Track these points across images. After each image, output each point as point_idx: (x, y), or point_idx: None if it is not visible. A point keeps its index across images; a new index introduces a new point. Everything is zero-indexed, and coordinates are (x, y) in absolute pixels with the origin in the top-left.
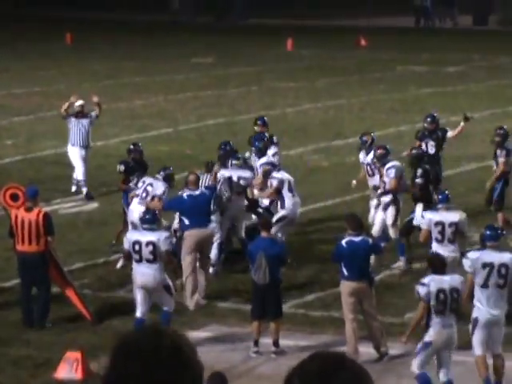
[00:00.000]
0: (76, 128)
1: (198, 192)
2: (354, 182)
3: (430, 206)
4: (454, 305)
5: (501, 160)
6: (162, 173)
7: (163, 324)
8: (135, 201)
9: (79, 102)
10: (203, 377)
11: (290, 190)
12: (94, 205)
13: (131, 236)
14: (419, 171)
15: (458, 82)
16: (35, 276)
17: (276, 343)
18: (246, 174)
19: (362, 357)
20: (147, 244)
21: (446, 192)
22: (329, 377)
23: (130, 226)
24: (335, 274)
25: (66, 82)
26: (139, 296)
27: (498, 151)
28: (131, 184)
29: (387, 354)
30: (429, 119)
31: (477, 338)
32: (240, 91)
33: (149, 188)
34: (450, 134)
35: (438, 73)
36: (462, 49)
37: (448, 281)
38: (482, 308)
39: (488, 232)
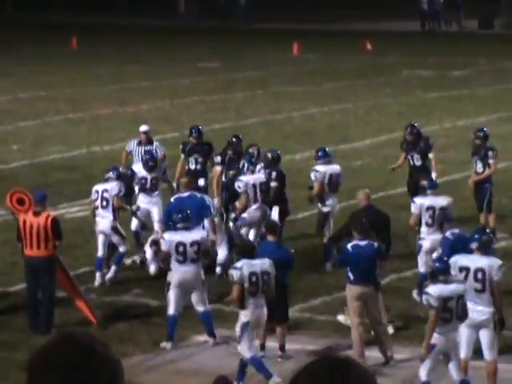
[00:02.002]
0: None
1: (186, 194)
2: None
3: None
4: (265, 287)
5: (492, 161)
6: (113, 173)
7: (207, 325)
8: (99, 212)
9: (143, 129)
10: (123, 371)
11: (255, 195)
12: None
13: (172, 237)
14: (273, 174)
15: (464, 86)
16: (42, 280)
17: (282, 347)
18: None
19: (368, 361)
20: (192, 244)
21: (436, 179)
22: (335, 379)
23: (100, 237)
24: (341, 277)
25: (71, 87)
26: (174, 294)
27: (490, 152)
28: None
29: (392, 359)
30: (408, 130)
31: (462, 341)
32: (246, 95)
33: (105, 195)
34: (431, 156)
35: (444, 77)
36: (467, 53)
37: (259, 264)
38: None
39: (475, 236)
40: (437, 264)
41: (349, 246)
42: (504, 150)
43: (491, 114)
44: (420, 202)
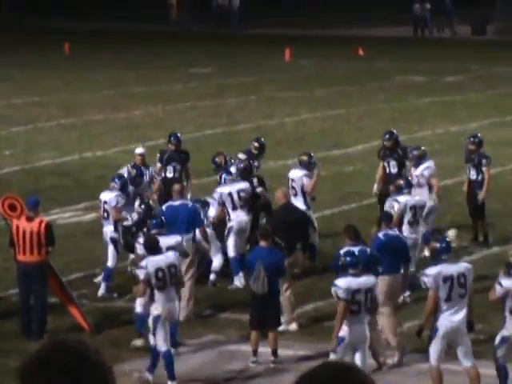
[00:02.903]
0: None
1: (178, 202)
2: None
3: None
4: (174, 279)
5: (485, 169)
6: (116, 183)
7: (172, 337)
8: (103, 222)
9: (139, 151)
10: (115, 378)
11: (233, 203)
12: (92, 215)
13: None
14: (255, 180)
15: (457, 92)
16: (34, 286)
17: (275, 353)
18: (244, 185)
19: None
20: (167, 250)
21: (410, 178)
22: None
23: (108, 247)
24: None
25: (65, 92)
26: None
27: (484, 161)
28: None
29: (385, 364)
30: (386, 136)
31: (434, 349)
32: (238, 101)
33: (106, 206)
34: (412, 170)
35: (437, 82)
36: (460, 58)
37: (165, 260)
38: (445, 317)
39: (443, 245)
40: (347, 258)
41: (341, 251)
42: (496, 155)
43: (484, 119)
44: (403, 200)
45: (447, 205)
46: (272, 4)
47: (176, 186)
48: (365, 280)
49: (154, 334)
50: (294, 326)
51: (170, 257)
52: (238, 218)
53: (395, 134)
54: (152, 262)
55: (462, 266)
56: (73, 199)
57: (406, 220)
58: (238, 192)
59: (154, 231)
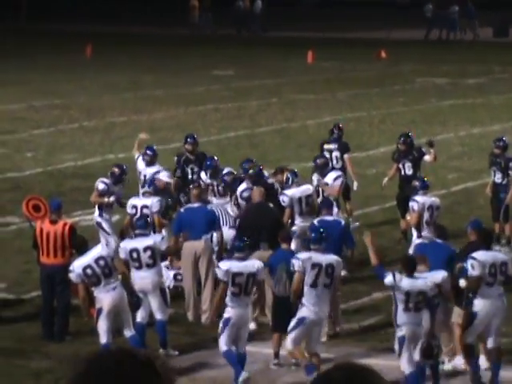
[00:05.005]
0: None
1: (196, 205)
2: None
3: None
4: (106, 270)
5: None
6: (149, 187)
7: (160, 335)
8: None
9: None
10: None
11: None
12: (115, 216)
13: (126, 245)
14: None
15: (479, 94)
16: (57, 288)
17: (277, 355)
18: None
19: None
20: (145, 249)
21: (426, 179)
22: None
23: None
24: (356, 285)
25: (85, 95)
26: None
27: (511, 163)
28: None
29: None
30: (402, 139)
31: (296, 336)
32: (260, 103)
33: (145, 211)
34: (427, 158)
35: (459, 85)
36: (482, 61)
37: (90, 257)
38: (310, 307)
39: (313, 235)
40: (235, 243)
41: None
42: None
43: (506, 122)
44: (422, 200)
45: (469, 208)
46: (294, 7)
47: (195, 190)
48: (244, 264)
49: (96, 327)
50: (252, 326)
51: (97, 251)
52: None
53: (411, 136)
54: (78, 266)
55: (332, 258)
56: None
57: (423, 220)
58: (307, 197)
59: (137, 231)
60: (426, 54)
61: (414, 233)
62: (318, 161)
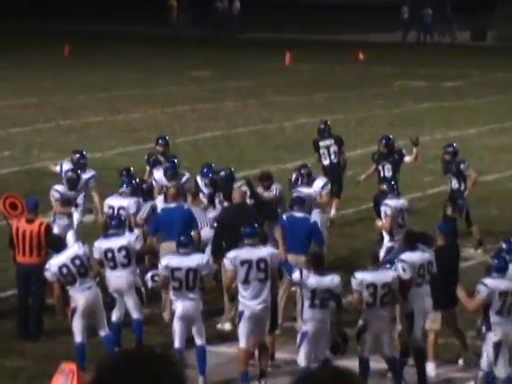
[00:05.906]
0: None
1: (173, 205)
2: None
3: None
4: (82, 269)
5: (468, 172)
6: (126, 188)
7: (137, 334)
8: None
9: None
10: None
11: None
12: (90, 217)
13: (100, 244)
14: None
15: (456, 98)
16: (33, 287)
17: (271, 356)
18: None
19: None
20: (120, 249)
21: (392, 182)
22: None
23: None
24: None
25: (63, 94)
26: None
27: (462, 165)
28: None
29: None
30: (383, 141)
31: (242, 331)
32: (237, 105)
33: (122, 212)
34: (407, 159)
35: (436, 88)
36: (459, 64)
37: (66, 256)
38: (247, 302)
39: (247, 230)
40: (181, 238)
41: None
42: (494, 161)
43: (482, 125)
44: (394, 204)
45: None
46: (272, 9)
47: (172, 190)
48: (180, 259)
49: (71, 325)
50: (227, 326)
51: (73, 250)
52: None
53: (392, 139)
54: (55, 262)
55: (263, 252)
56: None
57: (396, 223)
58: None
59: (111, 231)
60: (404, 56)
61: (386, 236)
62: (302, 170)
